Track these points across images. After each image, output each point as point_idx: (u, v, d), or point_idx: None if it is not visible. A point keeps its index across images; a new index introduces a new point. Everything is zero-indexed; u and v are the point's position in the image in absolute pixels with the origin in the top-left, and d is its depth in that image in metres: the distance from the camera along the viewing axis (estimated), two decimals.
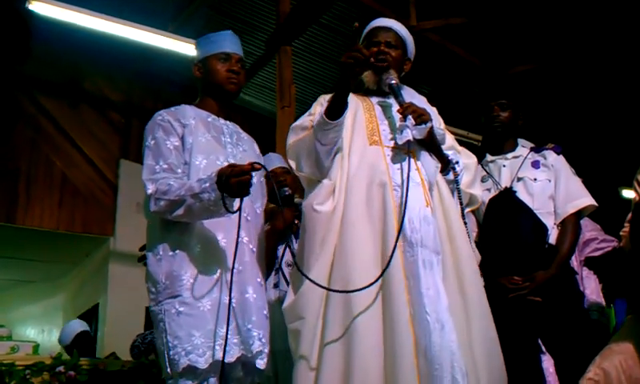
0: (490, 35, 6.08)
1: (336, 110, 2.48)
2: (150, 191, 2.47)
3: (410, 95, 2.77)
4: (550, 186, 3.21)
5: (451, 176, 2.68)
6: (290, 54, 5.81)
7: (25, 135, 7.03)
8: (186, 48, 5.76)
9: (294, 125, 2.75)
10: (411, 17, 6.24)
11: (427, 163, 2.60)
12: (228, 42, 2.78)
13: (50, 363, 3.88)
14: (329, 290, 2.36)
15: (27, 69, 7.04)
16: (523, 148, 3.35)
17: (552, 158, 3.27)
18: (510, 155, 3.32)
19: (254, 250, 2.60)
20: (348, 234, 2.44)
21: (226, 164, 2.55)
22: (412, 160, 2.53)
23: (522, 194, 3.18)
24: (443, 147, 2.72)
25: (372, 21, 2.86)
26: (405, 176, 2.44)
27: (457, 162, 2.71)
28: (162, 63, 6.96)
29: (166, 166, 2.53)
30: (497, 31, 6.01)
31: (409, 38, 2.84)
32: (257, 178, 2.62)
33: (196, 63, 2.82)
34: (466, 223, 2.61)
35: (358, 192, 2.50)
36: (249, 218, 2.56)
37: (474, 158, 2.89)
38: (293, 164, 2.67)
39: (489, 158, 3.37)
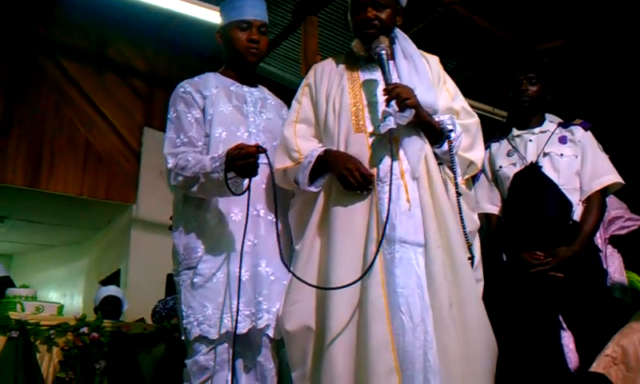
0: (518, 9, 5.99)
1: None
2: (170, 165, 2.52)
3: (409, 51, 2.67)
4: (576, 162, 3.17)
5: (445, 147, 2.51)
6: (316, 24, 5.75)
7: (49, 100, 7.02)
8: (213, 16, 5.68)
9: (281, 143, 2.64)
10: None
11: (411, 149, 2.46)
12: (249, 8, 2.72)
13: (74, 324, 3.96)
14: (311, 285, 2.39)
15: (53, 33, 7.03)
16: (551, 123, 3.31)
17: (579, 133, 3.23)
18: (537, 130, 3.28)
19: (274, 220, 2.52)
20: (332, 228, 2.42)
21: (246, 135, 2.60)
22: (394, 150, 2.41)
23: (548, 170, 3.14)
24: (439, 112, 2.57)
25: None
26: (389, 169, 2.38)
27: (451, 131, 2.52)
28: (189, 31, 6.92)
29: (186, 140, 2.56)
30: (525, 5, 5.91)
31: None
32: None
33: (218, 30, 2.80)
34: (459, 194, 2.50)
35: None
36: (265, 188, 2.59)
37: (474, 117, 2.69)
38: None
39: (515, 132, 3.33)
